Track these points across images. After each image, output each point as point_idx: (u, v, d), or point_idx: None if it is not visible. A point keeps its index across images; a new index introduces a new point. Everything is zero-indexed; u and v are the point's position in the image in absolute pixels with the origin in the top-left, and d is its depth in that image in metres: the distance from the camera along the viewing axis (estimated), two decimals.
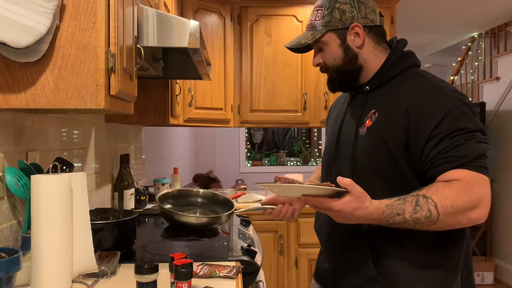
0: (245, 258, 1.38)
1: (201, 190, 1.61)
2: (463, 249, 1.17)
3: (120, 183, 2.15)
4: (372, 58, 1.23)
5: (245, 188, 3.00)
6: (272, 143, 7.53)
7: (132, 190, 2.18)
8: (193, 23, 1.35)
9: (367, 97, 1.23)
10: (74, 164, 1.73)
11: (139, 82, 1.38)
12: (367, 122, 1.18)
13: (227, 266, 1.24)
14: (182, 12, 2.63)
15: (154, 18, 1.34)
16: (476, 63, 4.98)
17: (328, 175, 1.30)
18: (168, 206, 1.48)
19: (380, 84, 1.22)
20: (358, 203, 1.01)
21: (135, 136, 2.71)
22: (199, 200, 1.57)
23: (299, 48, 1.29)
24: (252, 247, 1.49)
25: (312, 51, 1.31)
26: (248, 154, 6.40)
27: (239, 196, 2.29)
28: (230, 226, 1.93)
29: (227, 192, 2.29)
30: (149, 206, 2.43)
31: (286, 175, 1.11)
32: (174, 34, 1.35)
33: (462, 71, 5.20)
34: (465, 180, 1.04)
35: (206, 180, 3.33)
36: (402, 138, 1.11)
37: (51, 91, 1.01)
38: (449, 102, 1.10)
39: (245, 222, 2.00)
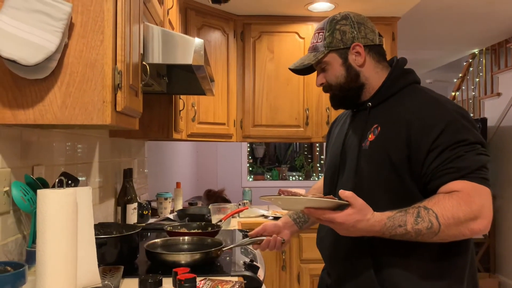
0: (247, 273, 1.38)
1: (186, 238, 1.65)
2: (467, 262, 1.18)
3: (123, 198, 2.16)
4: (374, 75, 1.27)
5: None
6: (274, 158, 7.54)
7: (135, 205, 2.19)
8: (197, 41, 1.38)
9: (370, 113, 1.25)
10: (79, 179, 1.75)
11: (143, 97, 1.40)
12: (370, 136, 1.21)
13: (230, 281, 1.24)
14: (186, 29, 2.68)
15: (159, 36, 1.37)
16: (477, 79, 5.01)
17: (332, 189, 1.31)
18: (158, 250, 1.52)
19: (382, 100, 1.25)
20: (360, 215, 1.03)
21: (138, 150, 2.73)
22: (186, 246, 1.62)
23: (302, 70, 1.33)
24: (254, 262, 1.50)
25: (314, 73, 1.35)
26: (250, 169, 6.41)
27: (241, 211, 2.30)
28: (232, 241, 1.94)
29: (229, 207, 2.29)
30: (151, 220, 2.44)
31: (289, 189, 1.12)
32: (179, 52, 1.38)
33: (463, 87, 5.23)
34: (465, 191, 1.06)
35: (219, 199, 3.34)
36: (404, 150, 1.13)
37: (59, 107, 1.03)
38: (449, 114, 1.13)
39: (247, 237, 2.00)
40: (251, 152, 6.82)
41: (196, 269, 1.36)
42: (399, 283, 1.14)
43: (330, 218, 1.04)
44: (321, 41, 1.27)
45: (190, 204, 2.97)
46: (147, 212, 2.37)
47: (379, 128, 1.20)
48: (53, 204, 1.03)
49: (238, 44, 3.04)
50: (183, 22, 2.63)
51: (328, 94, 1.33)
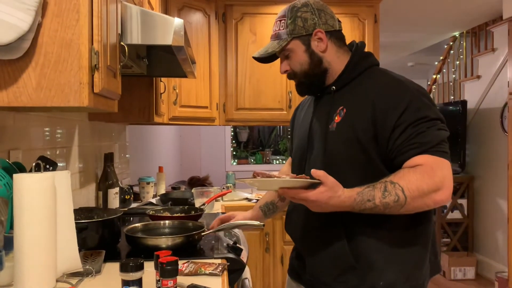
0: (230, 255, 1.38)
1: (167, 222, 1.64)
2: (431, 230, 1.26)
3: (105, 182, 2.13)
4: (336, 60, 1.30)
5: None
6: (257, 142, 7.53)
7: (117, 189, 2.17)
8: (177, 21, 1.35)
9: (334, 96, 1.29)
10: (58, 164, 1.71)
11: (123, 80, 1.37)
12: (336, 118, 1.25)
13: (213, 263, 1.25)
14: (166, 10, 2.62)
15: (138, 16, 1.33)
16: (457, 62, 5.06)
17: (301, 172, 1.32)
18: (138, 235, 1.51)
19: (346, 83, 1.29)
20: (331, 192, 1.08)
21: (119, 134, 2.69)
22: (167, 230, 1.61)
23: (265, 58, 1.36)
24: (237, 245, 1.50)
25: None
26: (234, 153, 6.40)
27: (224, 194, 2.30)
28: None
29: (213, 190, 2.28)
30: (134, 205, 2.42)
31: (264, 172, 1.16)
32: (158, 32, 1.34)
33: (444, 70, 5.28)
34: (428, 164, 1.12)
35: (201, 186, 3.32)
36: (370, 129, 1.18)
37: (34, 89, 1.00)
38: (410, 93, 1.18)
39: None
40: (235, 136, 6.80)
41: (179, 252, 1.35)
42: (373, 256, 1.20)
43: (303, 197, 1.08)
44: (283, 29, 1.30)
45: (173, 188, 2.96)
46: (129, 196, 2.35)
47: (344, 110, 1.24)
48: (30, 188, 1.00)
49: (220, 25, 3.00)
50: (163, 2, 2.57)
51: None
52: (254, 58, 1.38)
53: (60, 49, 1.00)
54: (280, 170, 1.66)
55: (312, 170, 1.08)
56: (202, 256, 1.36)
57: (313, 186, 1.08)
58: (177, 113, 2.65)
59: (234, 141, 6.50)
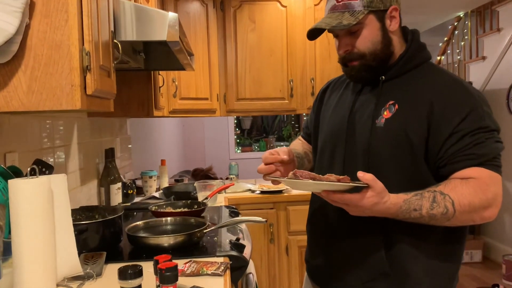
0: (233, 253, 1.36)
1: (169, 218, 1.62)
2: (464, 248, 1.20)
3: (106, 178, 2.12)
4: (397, 45, 1.19)
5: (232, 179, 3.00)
6: (261, 129, 7.51)
7: (119, 185, 2.15)
8: (171, 15, 1.32)
9: (382, 88, 1.18)
10: (58, 160, 1.69)
11: (120, 75, 1.34)
12: (385, 113, 1.15)
13: (215, 262, 1.23)
14: (163, 1, 2.57)
15: (131, 11, 1.29)
16: (462, 43, 4.98)
17: (333, 165, 1.23)
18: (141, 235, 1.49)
19: (397, 75, 1.17)
20: (378, 198, 0.99)
21: (120, 128, 2.67)
22: (169, 227, 1.59)
23: (314, 33, 1.18)
24: (240, 241, 1.48)
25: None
26: (238, 140, 6.38)
27: (227, 187, 2.28)
28: (218, 218, 1.92)
29: (215, 184, 2.26)
30: (137, 199, 2.41)
31: (304, 171, 1.03)
32: (153, 27, 1.31)
33: (448, 51, 5.19)
34: (482, 179, 1.05)
35: (204, 177, 3.31)
36: (424, 130, 1.09)
37: (25, 93, 0.98)
38: (473, 99, 1.09)
39: (234, 213, 1.99)
40: (238, 124, 6.77)
41: (180, 251, 1.35)
42: (409, 265, 1.13)
43: (347, 200, 0.99)
44: None
45: (176, 180, 2.95)
46: (132, 191, 2.33)
47: (396, 106, 1.13)
48: (25, 194, 0.99)
49: (218, 14, 2.95)
50: None
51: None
52: (315, 28, 1.15)
53: (50, 51, 0.97)
54: (291, 145, 1.51)
55: (359, 172, 0.98)
56: (204, 255, 1.35)
57: (357, 189, 0.99)
58: (177, 105, 2.62)
59: (237, 129, 6.48)
